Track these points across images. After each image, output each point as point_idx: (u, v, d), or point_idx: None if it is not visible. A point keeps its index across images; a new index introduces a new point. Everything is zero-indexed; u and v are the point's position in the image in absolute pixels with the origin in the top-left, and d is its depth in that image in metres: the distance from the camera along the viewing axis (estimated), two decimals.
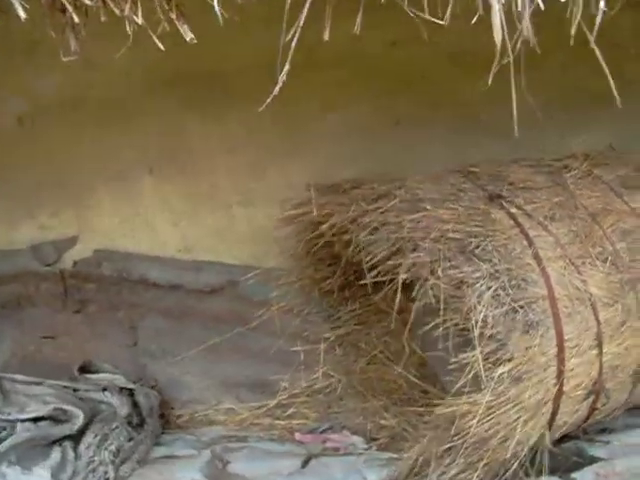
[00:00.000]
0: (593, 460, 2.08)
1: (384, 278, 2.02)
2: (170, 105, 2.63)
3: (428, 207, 1.93)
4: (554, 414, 1.92)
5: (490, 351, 1.78)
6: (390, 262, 1.97)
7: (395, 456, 2.15)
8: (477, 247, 1.84)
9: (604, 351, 1.95)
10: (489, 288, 1.80)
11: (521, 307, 1.80)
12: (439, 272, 1.83)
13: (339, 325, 2.54)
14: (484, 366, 1.77)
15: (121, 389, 2.48)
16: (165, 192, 2.73)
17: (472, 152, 2.57)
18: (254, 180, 2.72)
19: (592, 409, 2.03)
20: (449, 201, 1.98)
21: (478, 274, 1.81)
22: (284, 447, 2.33)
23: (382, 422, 2.28)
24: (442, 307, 1.84)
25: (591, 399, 1.99)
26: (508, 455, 1.85)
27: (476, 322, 1.77)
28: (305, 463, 2.18)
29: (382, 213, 1.98)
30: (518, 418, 1.82)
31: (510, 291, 1.81)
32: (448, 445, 1.87)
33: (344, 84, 2.67)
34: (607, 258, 2.00)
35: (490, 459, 1.85)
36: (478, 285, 1.80)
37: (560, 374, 1.86)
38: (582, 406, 1.99)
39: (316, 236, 2.26)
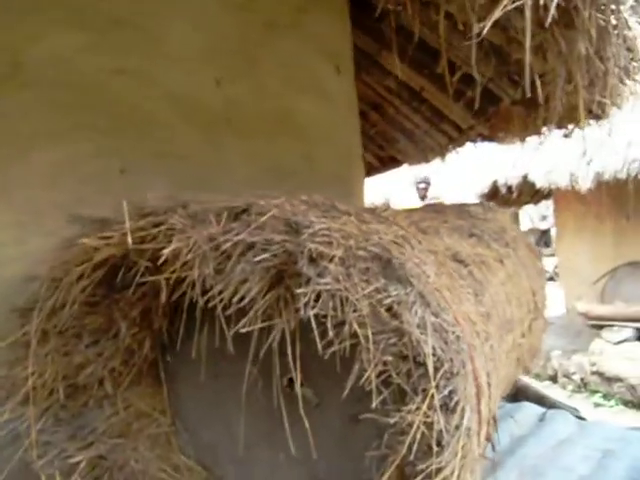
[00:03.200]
0: None
1: (258, 325, 1.42)
2: None
3: (322, 220, 1.45)
4: None
5: (443, 395, 1.36)
6: (267, 298, 1.40)
7: None
8: (400, 265, 1.44)
9: (491, 383, 1.71)
10: (424, 315, 1.40)
11: (459, 335, 1.45)
12: (358, 300, 1.36)
13: (91, 442, 1.70)
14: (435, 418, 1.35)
15: None
16: None
17: None
18: None
19: None
20: (329, 218, 1.52)
21: (412, 298, 1.40)
22: None
23: None
24: (370, 348, 1.36)
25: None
26: None
27: (426, 357, 1.35)
28: None
29: (253, 231, 1.41)
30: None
31: (445, 317, 1.44)
32: None
33: (57, 115, 1.99)
34: (468, 292, 1.81)
35: None
36: (414, 311, 1.39)
37: (480, 420, 1.54)
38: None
39: (105, 287, 1.50)
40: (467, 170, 8.03)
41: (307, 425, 1.50)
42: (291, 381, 1.70)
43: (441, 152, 5.52)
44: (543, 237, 16.88)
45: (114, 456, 1.70)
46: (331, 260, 1.38)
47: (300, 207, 1.52)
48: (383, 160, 6.20)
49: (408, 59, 4.28)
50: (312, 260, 1.37)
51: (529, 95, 2.69)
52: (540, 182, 7.46)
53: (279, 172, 2.66)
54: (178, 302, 1.64)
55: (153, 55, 2.25)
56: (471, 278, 2.03)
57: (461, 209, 2.97)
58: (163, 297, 1.48)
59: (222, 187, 2.27)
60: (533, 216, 16.22)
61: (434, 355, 1.35)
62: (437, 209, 2.73)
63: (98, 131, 2.06)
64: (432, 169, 6.50)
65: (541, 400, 3.07)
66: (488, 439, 1.71)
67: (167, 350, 1.87)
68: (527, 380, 3.37)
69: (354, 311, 1.36)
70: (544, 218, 16.02)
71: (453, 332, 1.42)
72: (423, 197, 7.88)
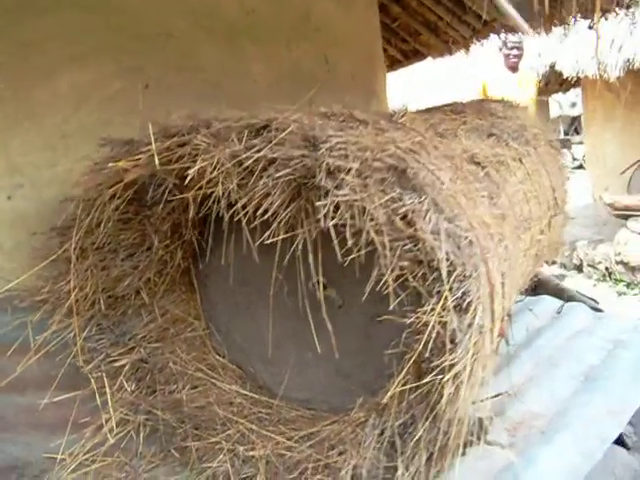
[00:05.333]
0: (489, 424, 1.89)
1: (282, 236, 1.52)
2: None
3: (339, 133, 1.51)
4: None
5: (456, 297, 1.46)
6: (289, 210, 1.50)
7: None
8: (415, 174, 1.51)
9: (506, 282, 1.80)
10: (438, 221, 1.48)
11: (472, 240, 1.53)
12: (375, 209, 1.45)
13: (132, 347, 1.85)
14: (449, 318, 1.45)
15: None
16: None
17: None
18: None
19: None
20: (346, 130, 1.59)
21: (425, 206, 1.48)
22: None
23: (250, 453, 1.69)
24: (387, 254, 1.45)
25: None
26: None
27: (439, 262, 1.44)
28: None
29: (273, 147, 1.49)
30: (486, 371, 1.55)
31: (458, 222, 1.52)
32: (416, 432, 1.48)
33: (79, 36, 2.04)
34: (482, 195, 1.88)
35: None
36: (428, 218, 1.47)
37: (492, 317, 1.64)
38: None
39: (136, 204, 1.61)
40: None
41: (330, 327, 1.62)
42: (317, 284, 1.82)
43: (465, 44, 5.45)
44: (574, 124, 16.59)
45: (154, 359, 1.86)
46: (348, 172, 1.45)
47: (318, 121, 1.58)
48: (407, 54, 6.11)
49: None
50: (330, 173, 1.45)
51: None
52: (567, 71, 7.30)
53: (299, 76, 2.71)
54: (206, 214, 1.74)
55: None
56: (488, 180, 2.09)
57: (481, 107, 2.98)
58: (191, 211, 1.58)
59: (244, 95, 2.37)
60: (562, 103, 15.89)
61: (447, 260, 1.44)
62: (457, 109, 2.75)
63: (120, 50, 2.12)
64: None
65: (560, 293, 3.18)
66: (501, 335, 1.82)
67: (198, 259, 1.99)
68: (548, 273, 3.48)
69: (371, 220, 1.45)
70: (574, 105, 15.70)
71: (466, 237, 1.50)
72: (514, 68, 6.02)
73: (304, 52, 2.75)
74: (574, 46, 6.86)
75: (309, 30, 2.79)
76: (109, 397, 1.80)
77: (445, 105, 2.81)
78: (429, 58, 5.97)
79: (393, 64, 6.11)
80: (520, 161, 2.60)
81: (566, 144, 14.18)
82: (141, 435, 1.82)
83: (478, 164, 2.13)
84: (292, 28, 2.71)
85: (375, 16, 3.71)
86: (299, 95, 2.39)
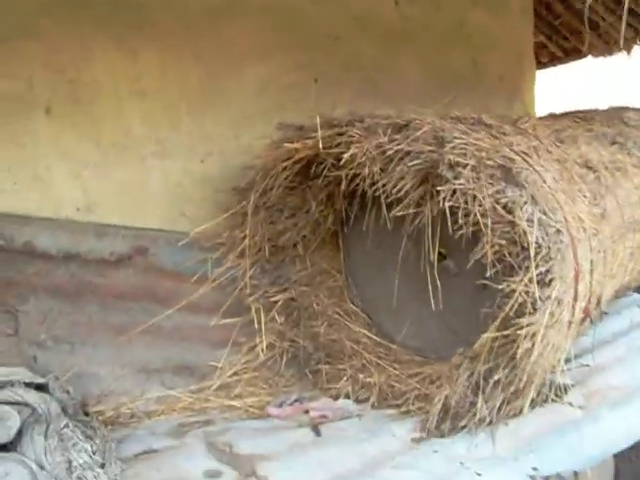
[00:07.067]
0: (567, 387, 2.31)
1: (411, 211, 2.06)
2: (72, 29, 2.30)
3: (462, 136, 2.02)
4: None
5: (540, 273, 1.93)
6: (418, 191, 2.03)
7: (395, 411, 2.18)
8: (518, 173, 1.99)
9: (593, 279, 2.25)
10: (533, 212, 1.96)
11: (560, 230, 2.00)
12: (483, 198, 1.94)
13: (286, 287, 2.47)
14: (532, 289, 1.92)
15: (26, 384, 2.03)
16: (65, 137, 2.34)
17: None
18: (169, 129, 2.50)
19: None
20: (470, 133, 2.09)
21: (524, 199, 1.96)
22: (270, 423, 2.16)
23: (368, 380, 2.25)
24: (488, 233, 1.95)
25: (581, 325, 2.27)
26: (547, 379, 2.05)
27: (529, 244, 1.91)
28: (317, 431, 2.05)
29: (410, 142, 2.02)
30: (563, 339, 2.02)
31: (551, 215, 1.99)
32: (497, 376, 1.97)
33: (264, 36, 2.65)
34: (585, 195, 2.32)
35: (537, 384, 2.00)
36: (525, 209, 1.95)
37: (575, 296, 2.09)
38: (576, 331, 2.25)
39: (301, 176, 2.22)
40: None
41: (441, 290, 2.15)
42: (439, 254, 2.34)
43: (627, 46, 5.64)
44: None
45: (301, 299, 2.47)
46: (465, 167, 1.96)
47: (448, 124, 2.10)
48: (567, 51, 6.38)
49: None
50: (450, 166, 1.96)
51: None
52: None
53: (448, 78, 3.19)
54: (354, 189, 2.31)
55: None
56: (596, 183, 2.51)
57: (614, 115, 3.34)
58: (343, 186, 2.15)
59: (397, 92, 2.90)
60: None
61: (536, 243, 1.91)
62: (586, 116, 3.14)
63: (296, 48, 2.70)
64: None
65: None
66: (587, 315, 2.25)
67: (345, 224, 2.57)
68: None
69: (479, 205, 1.94)
70: None
71: (555, 226, 1.97)
72: None
73: (454, 56, 3.23)
74: None
75: (461, 36, 3.26)
76: (263, 325, 2.42)
77: (577, 111, 3.20)
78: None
79: (552, 60, 6.41)
80: None
81: None
82: (284, 358, 2.44)
83: (590, 168, 2.55)
84: (445, 34, 3.19)
85: (529, 19, 4.10)
86: (446, 94, 2.91)
